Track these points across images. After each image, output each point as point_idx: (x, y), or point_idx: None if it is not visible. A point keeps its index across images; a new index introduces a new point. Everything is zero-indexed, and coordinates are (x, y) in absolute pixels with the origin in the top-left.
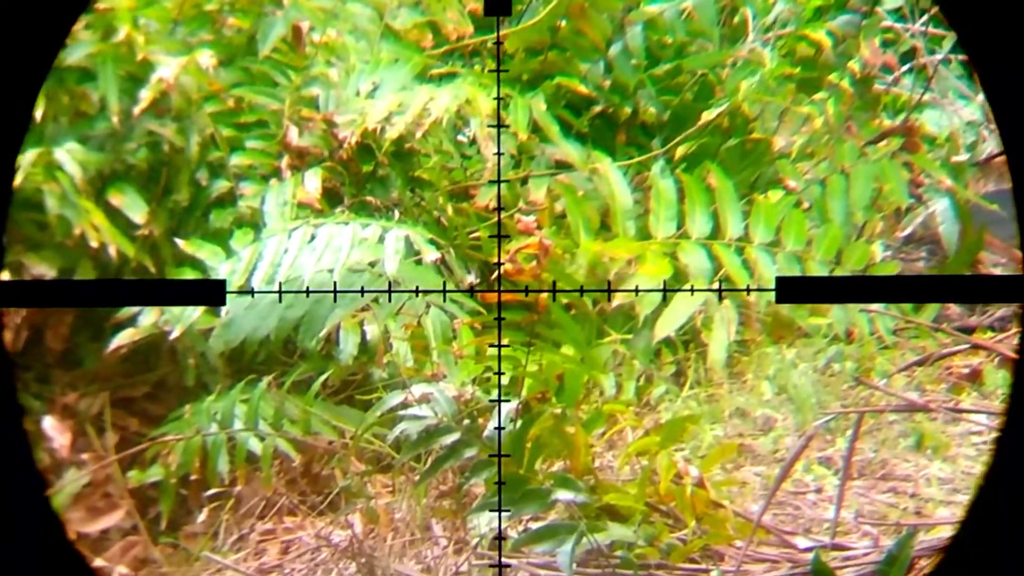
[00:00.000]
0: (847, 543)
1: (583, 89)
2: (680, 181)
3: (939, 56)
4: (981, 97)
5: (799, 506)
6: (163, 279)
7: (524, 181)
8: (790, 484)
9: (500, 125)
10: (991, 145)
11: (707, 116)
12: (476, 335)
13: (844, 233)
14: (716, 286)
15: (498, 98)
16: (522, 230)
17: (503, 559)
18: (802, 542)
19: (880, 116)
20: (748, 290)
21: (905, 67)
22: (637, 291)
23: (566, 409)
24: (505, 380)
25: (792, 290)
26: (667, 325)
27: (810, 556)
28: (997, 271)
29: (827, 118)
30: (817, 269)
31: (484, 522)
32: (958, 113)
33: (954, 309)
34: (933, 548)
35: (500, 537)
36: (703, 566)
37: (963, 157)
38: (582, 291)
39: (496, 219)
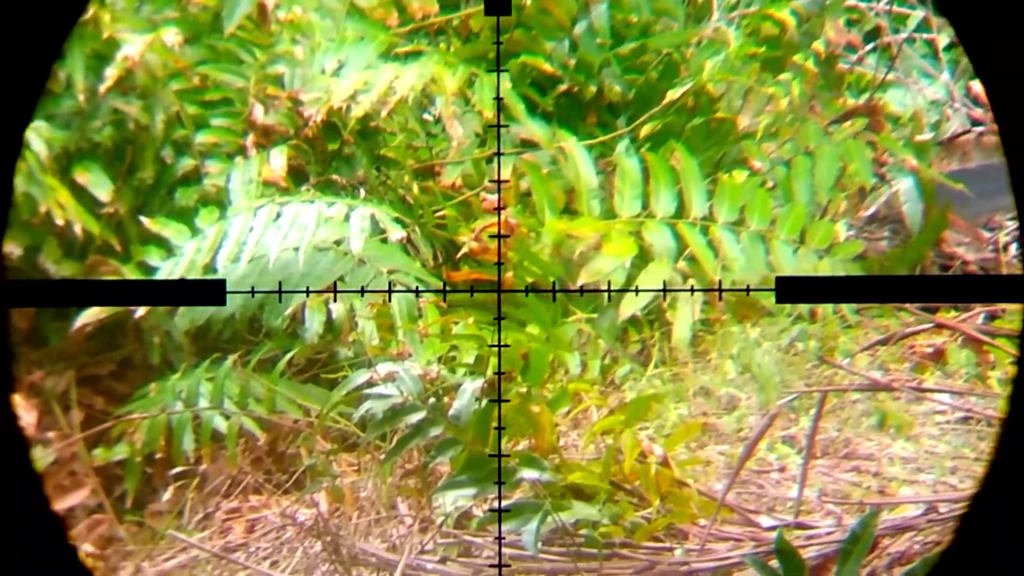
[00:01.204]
0: (810, 522)
1: (548, 68)
2: (645, 160)
3: (903, 35)
4: (945, 76)
5: (763, 485)
6: (164, 279)
7: (489, 160)
8: (754, 463)
9: (500, 125)
10: (955, 124)
11: (672, 95)
12: (441, 314)
13: (808, 212)
14: (716, 285)
15: (498, 98)
16: (487, 208)
17: (503, 561)
18: (766, 521)
19: (844, 95)
20: (748, 290)
21: (869, 46)
22: (637, 291)
23: (531, 388)
24: (470, 359)
25: (792, 290)
26: (632, 304)
27: (774, 535)
28: (961, 250)
29: (791, 97)
30: (781, 248)
31: (449, 500)
32: (922, 92)
33: None
34: (896, 527)
35: (500, 537)
36: (667, 544)
37: (927, 136)
38: (582, 291)
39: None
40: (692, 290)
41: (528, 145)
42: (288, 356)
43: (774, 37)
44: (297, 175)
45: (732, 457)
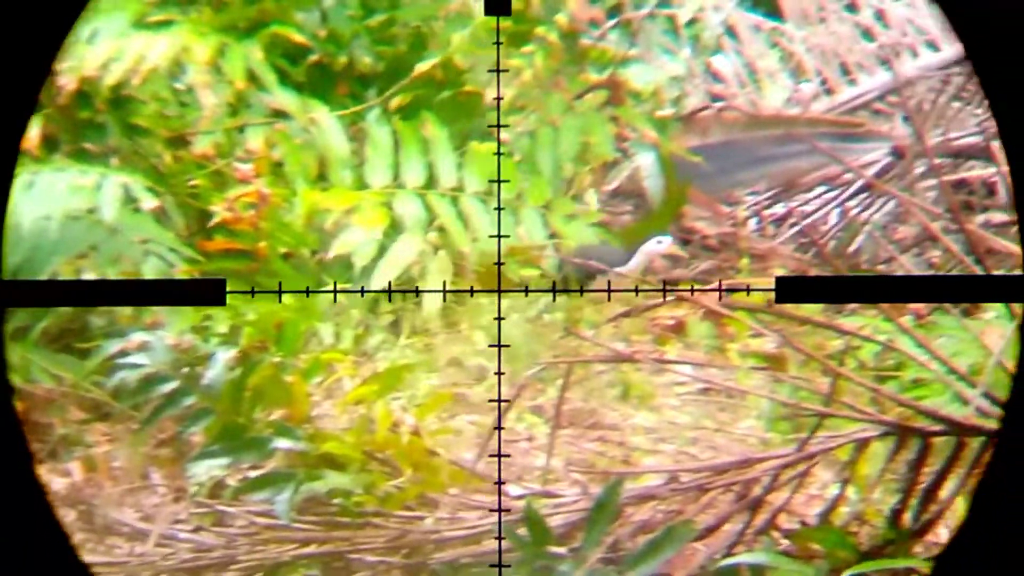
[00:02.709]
0: (557, 490)
1: (299, 38)
2: (395, 131)
3: (645, 11)
4: (686, 52)
5: (511, 454)
6: (164, 279)
7: (241, 129)
8: (503, 432)
9: (499, 126)
10: (695, 100)
11: (420, 68)
12: None
13: (554, 186)
14: (717, 286)
15: (498, 98)
16: (240, 178)
17: (503, 560)
18: (514, 489)
19: (587, 70)
20: (748, 290)
21: (612, 21)
22: (637, 290)
23: (285, 358)
24: (224, 328)
25: (791, 290)
26: (384, 275)
27: (522, 503)
28: (701, 225)
29: (536, 71)
30: (530, 217)
31: (203, 470)
32: (663, 68)
33: (660, 262)
34: (639, 496)
35: (500, 537)
36: (419, 513)
37: (668, 112)
38: (582, 290)
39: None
40: (692, 290)
41: (280, 115)
42: (41, 325)
43: (519, 11)
44: (49, 144)
45: (482, 427)
